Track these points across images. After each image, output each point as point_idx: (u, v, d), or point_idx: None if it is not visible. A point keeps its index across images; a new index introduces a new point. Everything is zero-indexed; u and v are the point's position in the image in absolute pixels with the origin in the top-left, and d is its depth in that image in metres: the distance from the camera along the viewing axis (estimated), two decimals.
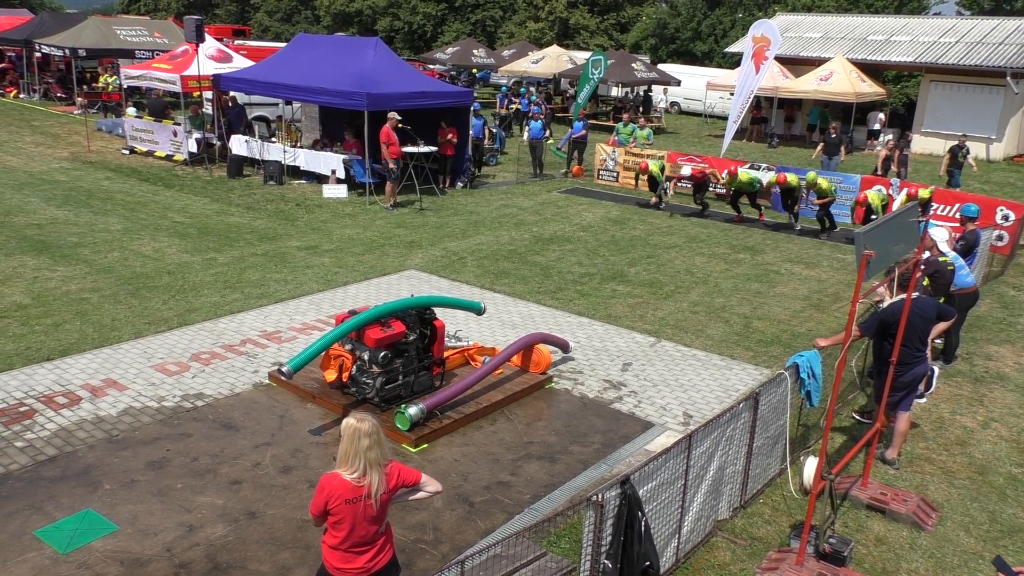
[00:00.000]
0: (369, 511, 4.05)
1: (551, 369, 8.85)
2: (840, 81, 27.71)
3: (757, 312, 11.20)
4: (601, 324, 10.47)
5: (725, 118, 26.69)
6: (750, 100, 20.88)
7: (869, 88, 28.42)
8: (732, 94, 22.90)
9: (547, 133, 21.14)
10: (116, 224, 13.98)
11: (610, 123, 30.07)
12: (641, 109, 32.25)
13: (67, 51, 27.70)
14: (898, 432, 7.19)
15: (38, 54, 29.98)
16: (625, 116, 22.33)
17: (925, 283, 8.36)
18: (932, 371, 8.65)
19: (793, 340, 10.13)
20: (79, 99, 28.09)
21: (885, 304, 6.91)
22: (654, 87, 35.60)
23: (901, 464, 7.26)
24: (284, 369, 7.38)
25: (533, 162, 21.26)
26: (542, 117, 21.46)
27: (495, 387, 8.23)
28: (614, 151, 20.48)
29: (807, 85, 28.56)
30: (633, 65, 33.27)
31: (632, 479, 4.79)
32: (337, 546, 4.12)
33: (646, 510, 4.91)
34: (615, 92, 37.04)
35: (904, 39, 29.95)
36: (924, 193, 14.97)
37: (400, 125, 16.23)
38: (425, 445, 7.23)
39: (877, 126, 29.43)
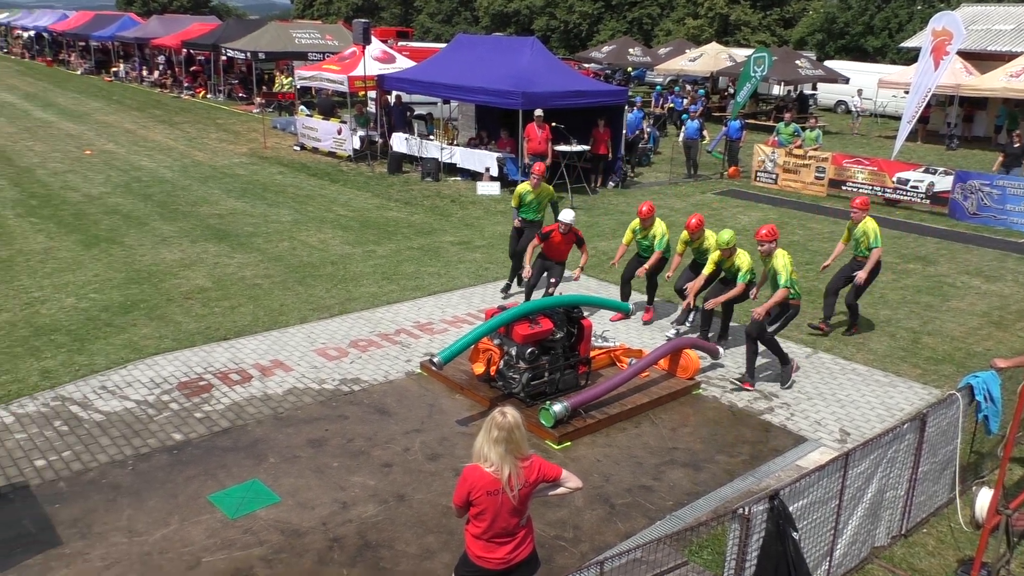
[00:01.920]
0: (508, 503, 4.11)
1: (699, 375, 8.65)
2: None
3: (927, 327, 10.44)
4: None
5: (897, 118, 25.05)
6: (927, 99, 19.47)
7: None
8: (906, 92, 21.45)
9: (704, 133, 20.63)
10: (287, 216, 14.93)
11: (770, 123, 28.95)
12: (797, 108, 30.77)
13: (248, 54, 29.86)
14: None
15: (224, 57, 32.49)
16: (787, 116, 21.41)
17: None
18: None
19: (967, 359, 9.38)
20: (257, 99, 30.22)
21: None
22: (822, 85, 33.91)
23: None
24: (435, 360, 7.63)
25: (687, 162, 20.82)
26: (699, 116, 20.97)
27: (640, 390, 8.14)
28: (773, 152, 19.70)
29: (994, 82, 26.26)
30: (797, 62, 31.84)
31: (782, 494, 4.60)
32: (479, 536, 4.21)
33: (798, 528, 4.70)
34: (776, 91, 35.62)
35: None
36: None
37: (553, 124, 16.38)
38: (568, 443, 7.26)
39: None
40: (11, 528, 5.72)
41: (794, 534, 4.60)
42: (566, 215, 9.79)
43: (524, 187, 10.85)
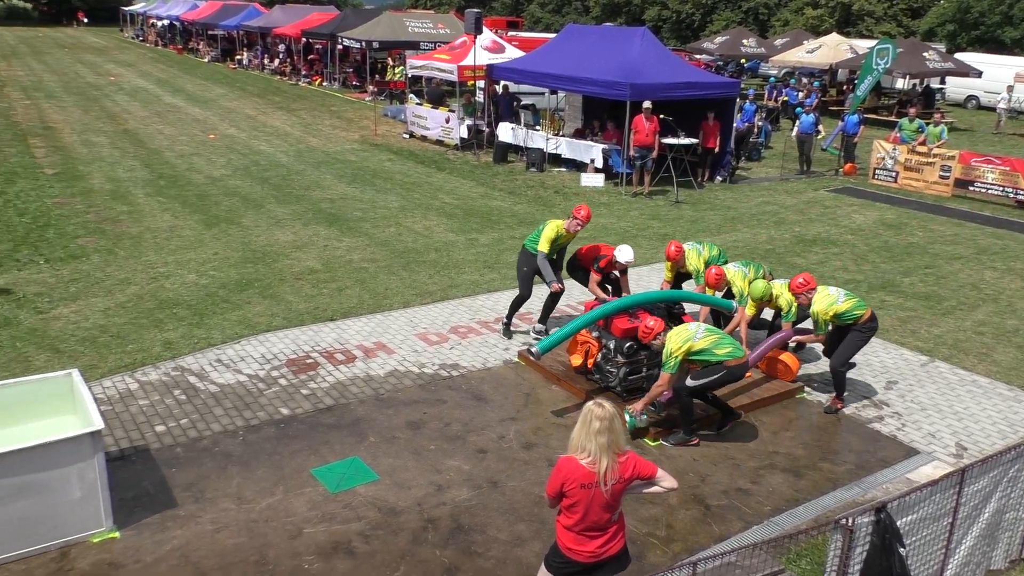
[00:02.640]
0: (601, 497, 4.09)
1: (804, 380, 8.36)
2: None
3: None
4: None
5: None
6: None
7: None
8: None
9: (819, 128, 19.84)
10: (394, 202, 15.29)
11: (892, 118, 27.56)
12: (922, 103, 29.14)
13: (363, 43, 30.65)
14: None
15: (340, 46, 33.47)
16: (911, 111, 20.32)
17: None
18: None
19: None
20: (370, 87, 31.02)
21: None
22: (951, 79, 32.03)
23: None
24: (533, 350, 7.66)
25: (800, 158, 20.09)
26: (814, 110, 20.17)
27: (741, 391, 7.93)
28: (895, 149, 18.76)
29: None
30: (925, 54, 30.17)
31: (890, 507, 4.39)
32: (570, 527, 4.21)
33: (906, 544, 4.49)
34: (900, 84, 33.87)
35: None
36: None
37: (662, 116, 16.12)
38: (656, 441, 7.15)
39: None
40: (133, 488, 6.11)
41: (900, 550, 4.40)
42: (626, 254, 8.72)
43: (561, 228, 8.84)
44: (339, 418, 7.31)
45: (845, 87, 32.90)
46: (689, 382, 6.91)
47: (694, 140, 17.43)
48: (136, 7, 63.43)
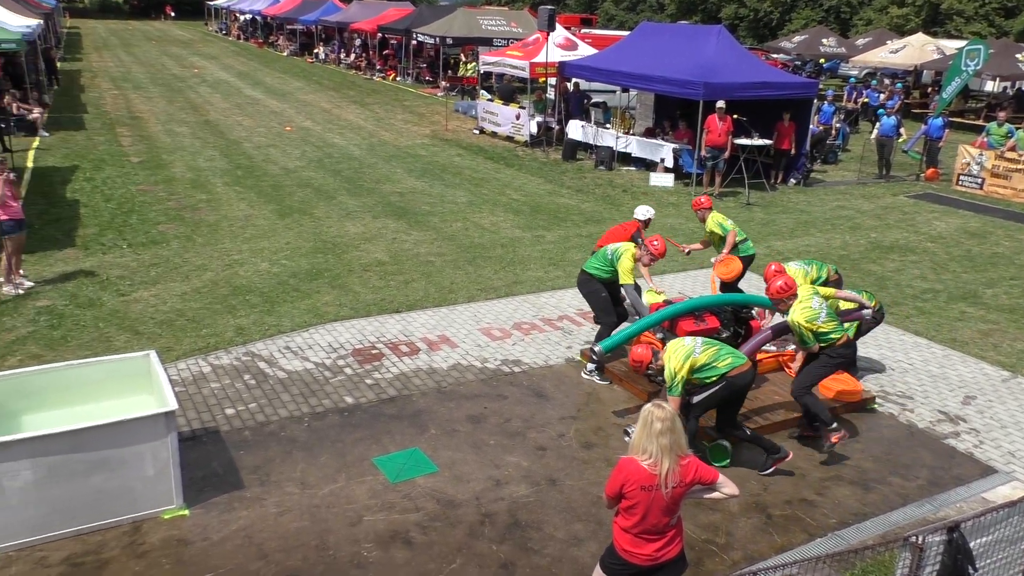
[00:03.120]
0: (661, 500, 4.05)
1: (875, 390, 8.11)
2: None
3: None
4: (942, 348, 9.34)
5: None
6: None
7: None
8: None
9: (900, 131, 19.18)
10: (462, 197, 15.40)
11: (979, 122, 26.45)
12: (1013, 107, 27.85)
13: (437, 39, 30.97)
14: None
15: (414, 42, 33.88)
16: (1000, 115, 19.45)
17: None
18: None
19: None
20: (443, 83, 31.30)
21: None
22: None
23: None
24: (596, 349, 7.62)
25: (879, 161, 19.46)
26: (896, 113, 19.51)
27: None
28: (981, 154, 18.00)
29: None
30: (1018, 56, 28.84)
31: (963, 527, 4.22)
32: (628, 529, 4.18)
33: (978, 567, 4.31)
34: (990, 87, 32.49)
35: None
36: None
37: (735, 116, 15.84)
38: (708, 442, 7.03)
39: None
40: (202, 468, 6.31)
41: (972, 572, 4.23)
42: (645, 211, 9.45)
43: (634, 255, 8.12)
44: (401, 409, 7.41)
45: (930, 89, 31.74)
46: (694, 399, 6.43)
47: (768, 141, 17.06)
48: (220, 1, 65.39)
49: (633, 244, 8.28)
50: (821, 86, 22.41)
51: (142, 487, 5.60)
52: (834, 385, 7.81)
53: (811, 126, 17.99)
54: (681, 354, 6.29)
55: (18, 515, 5.25)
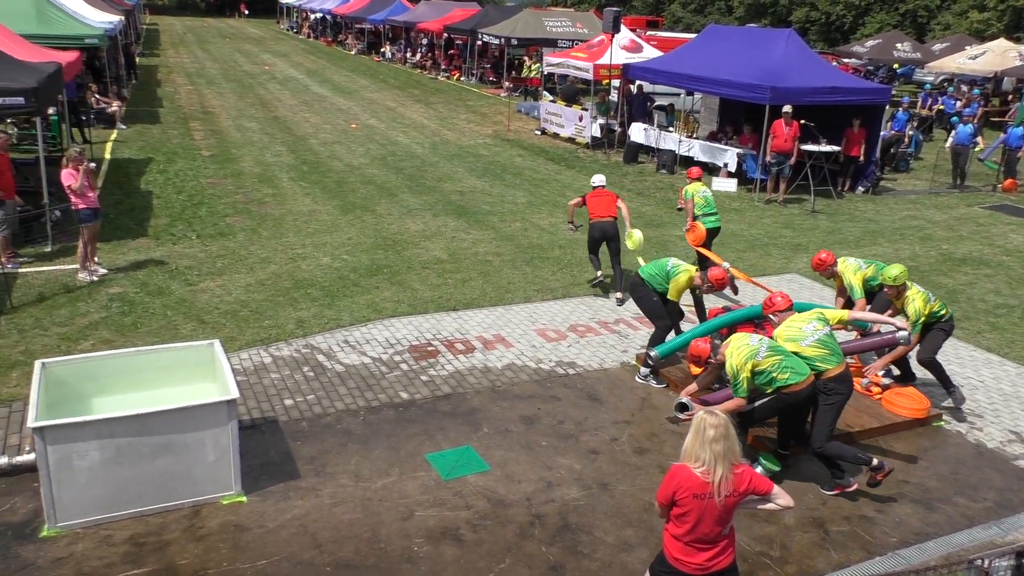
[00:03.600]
0: (714, 509, 3.99)
1: (942, 407, 7.85)
2: None
3: None
4: (1015, 366, 8.99)
5: None
6: None
7: None
8: None
9: (977, 139, 18.51)
10: (522, 197, 15.43)
11: None
12: None
13: (502, 40, 31.07)
14: None
15: (479, 42, 34.05)
16: None
17: None
18: None
19: None
20: (506, 83, 31.40)
21: None
22: None
23: None
24: (652, 354, 7.54)
25: (954, 171, 18.81)
26: (973, 120, 18.85)
27: (872, 414, 7.53)
28: None
29: None
30: None
31: None
32: (679, 537, 4.13)
33: None
34: None
35: None
36: None
37: (803, 121, 15.51)
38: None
39: None
40: (260, 456, 6.46)
41: None
42: (598, 179, 10.89)
43: (689, 282, 8.22)
44: (455, 406, 7.46)
45: (1010, 97, 30.54)
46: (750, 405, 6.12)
47: (836, 147, 16.65)
48: (292, 0, 66.83)
49: (695, 268, 8.26)
50: (894, 92, 21.79)
51: (203, 472, 5.76)
52: (899, 400, 7.60)
53: (882, 131, 17.48)
54: (744, 352, 6.06)
55: (87, 494, 5.46)
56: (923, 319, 7.54)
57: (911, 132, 21.19)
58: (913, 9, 52.44)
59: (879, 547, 5.84)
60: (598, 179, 10.90)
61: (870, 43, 38.14)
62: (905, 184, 19.04)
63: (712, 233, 10.89)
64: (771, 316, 6.63)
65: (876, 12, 53.86)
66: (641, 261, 9.14)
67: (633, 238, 10.13)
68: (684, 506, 4.04)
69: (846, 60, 36.86)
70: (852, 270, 8.22)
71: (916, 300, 7.56)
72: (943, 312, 7.78)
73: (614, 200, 10.54)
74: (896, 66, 38.31)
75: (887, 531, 6.03)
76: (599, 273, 10.56)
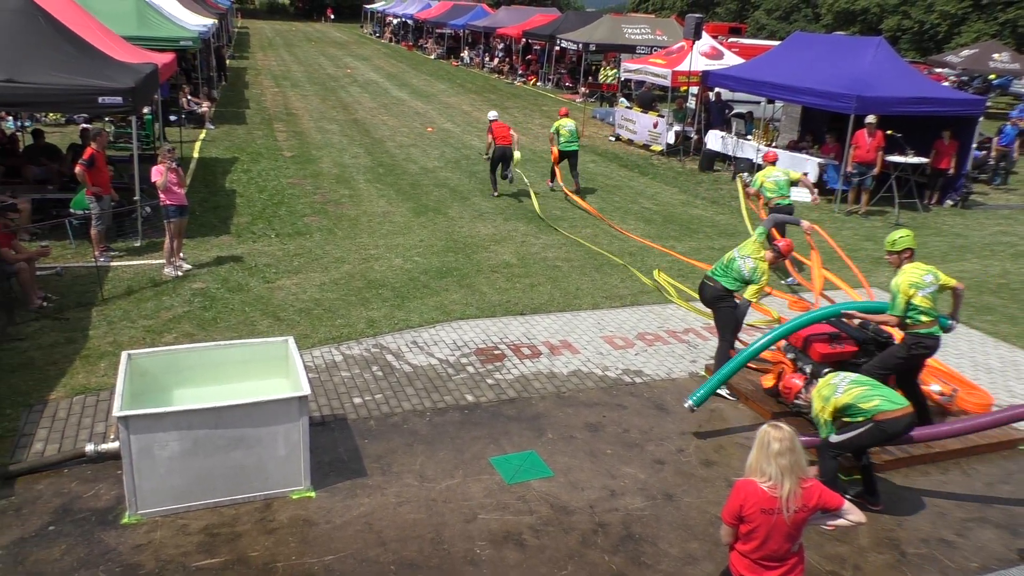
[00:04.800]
0: (783, 525, 3.90)
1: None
2: None
3: None
4: None
5: None
6: None
7: None
8: None
9: None
10: (593, 204, 15.36)
11: None
12: None
13: (580, 45, 31.02)
14: None
15: (557, 47, 34.08)
16: None
17: None
18: None
19: None
20: (582, 89, 31.34)
21: None
22: None
23: None
24: (688, 404, 7.16)
25: None
26: None
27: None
28: None
29: None
30: None
31: None
32: (747, 554, 4.04)
33: None
34: None
35: None
36: None
37: (889, 132, 15.01)
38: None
39: None
40: (329, 453, 6.60)
41: None
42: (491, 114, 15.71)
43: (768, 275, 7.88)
44: (520, 411, 7.47)
45: None
46: (833, 438, 5.91)
47: (924, 159, 16.04)
48: (376, 5, 68.22)
49: (762, 257, 7.78)
50: (989, 103, 20.87)
51: (274, 466, 5.91)
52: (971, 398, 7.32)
53: (973, 144, 16.74)
54: (823, 395, 5.90)
55: (166, 483, 5.66)
56: (901, 298, 6.61)
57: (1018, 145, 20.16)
58: (1014, 19, 50.12)
59: (959, 571, 5.60)
60: (493, 114, 15.87)
61: (965, 53, 36.67)
62: (998, 199, 18.22)
63: (565, 155, 15.43)
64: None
65: (973, 21, 51.66)
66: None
67: (516, 156, 15.01)
68: (752, 522, 3.95)
69: (938, 70, 35.51)
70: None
71: (905, 275, 6.68)
72: (925, 318, 6.70)
73: (508, 129, 15.09)
74: (992, 76, 36.70)
75: (967, 555, 5.77)
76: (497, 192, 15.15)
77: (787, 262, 10.72)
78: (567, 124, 15.63)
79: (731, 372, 7.26)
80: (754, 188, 11.42)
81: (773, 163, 11.72)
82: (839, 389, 5.87)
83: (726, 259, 7.97)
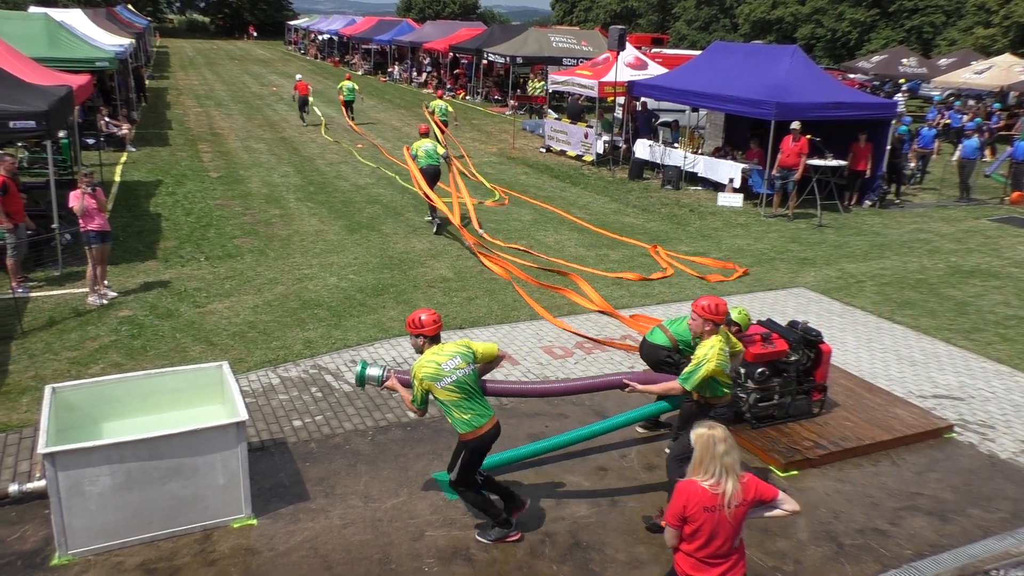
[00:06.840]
0: (725, 522, 3.99)
1: (954, 418, 7.80)
2: None
3: None
4: None
5: None
6: None
7: None
8: None
9: (984, 153, 18.47)
10: (527, 215, 15.46)
11: None
12: None
13: (507, 58, 31.29)
14: None
15: (485, 61, 34.29)
16: None
17: None
18: None
19: None
20: (511, 101, 31.58)
21: None
22: None
23: None
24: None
25: (960, 184, 18.79)
26: (986, 134, 18.80)
27: (882, 426, 7.49)
28: None
29: None
30: None
31: None
32: (691, 553, 4.11)
33: None
34: None
35: None
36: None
37: (809, 137, 15.54)
38: (795, 472, 6.86)
39: None
40: (270, 478, 6.46)
41: None
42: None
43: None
44: None
45: (1017, 111, 30.55)
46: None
47: (842, 162, 16.65)
48: (299, 22, 67.47)
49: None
50: (901, 107, 21.80)
51: (213, 496, 5.75)
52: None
53: (886, 146, 17.46)
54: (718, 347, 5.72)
55: (97, 520, 5.44)
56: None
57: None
58: (919, 25, 52.61)
59: (894, 560, 5.79)
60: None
61: (876, 59, 38.27)
62: (913, 198, 19.02)
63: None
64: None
65: (881, 28, 54.04)
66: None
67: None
68: (696, 521, 4.02)
69: (851, 75, 36.94)
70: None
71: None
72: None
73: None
74: (902, 81, 38.39)
75: (901, 543, 5.98)
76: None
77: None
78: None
79: (538, 452, 6.68)
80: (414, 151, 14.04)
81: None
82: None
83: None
